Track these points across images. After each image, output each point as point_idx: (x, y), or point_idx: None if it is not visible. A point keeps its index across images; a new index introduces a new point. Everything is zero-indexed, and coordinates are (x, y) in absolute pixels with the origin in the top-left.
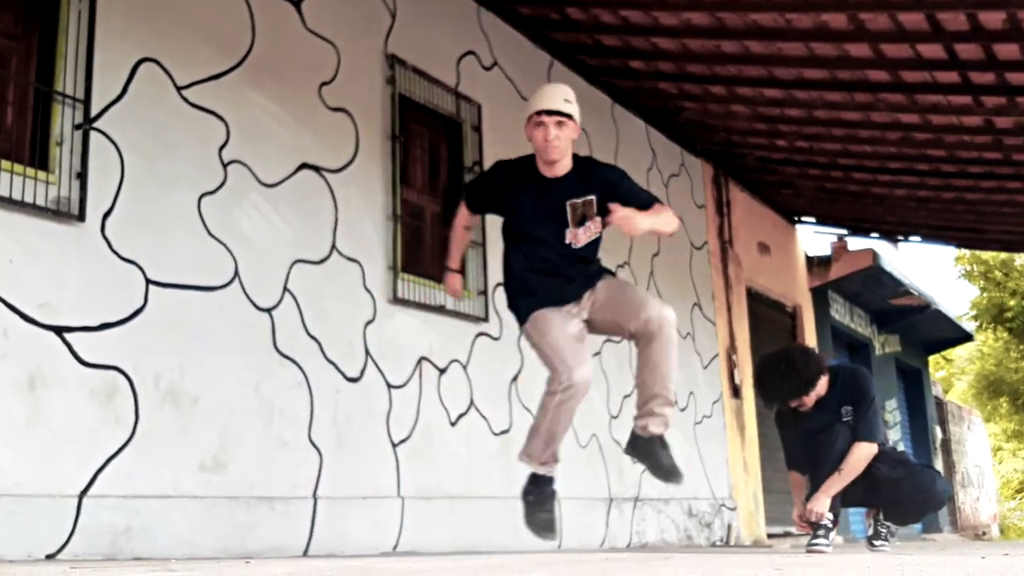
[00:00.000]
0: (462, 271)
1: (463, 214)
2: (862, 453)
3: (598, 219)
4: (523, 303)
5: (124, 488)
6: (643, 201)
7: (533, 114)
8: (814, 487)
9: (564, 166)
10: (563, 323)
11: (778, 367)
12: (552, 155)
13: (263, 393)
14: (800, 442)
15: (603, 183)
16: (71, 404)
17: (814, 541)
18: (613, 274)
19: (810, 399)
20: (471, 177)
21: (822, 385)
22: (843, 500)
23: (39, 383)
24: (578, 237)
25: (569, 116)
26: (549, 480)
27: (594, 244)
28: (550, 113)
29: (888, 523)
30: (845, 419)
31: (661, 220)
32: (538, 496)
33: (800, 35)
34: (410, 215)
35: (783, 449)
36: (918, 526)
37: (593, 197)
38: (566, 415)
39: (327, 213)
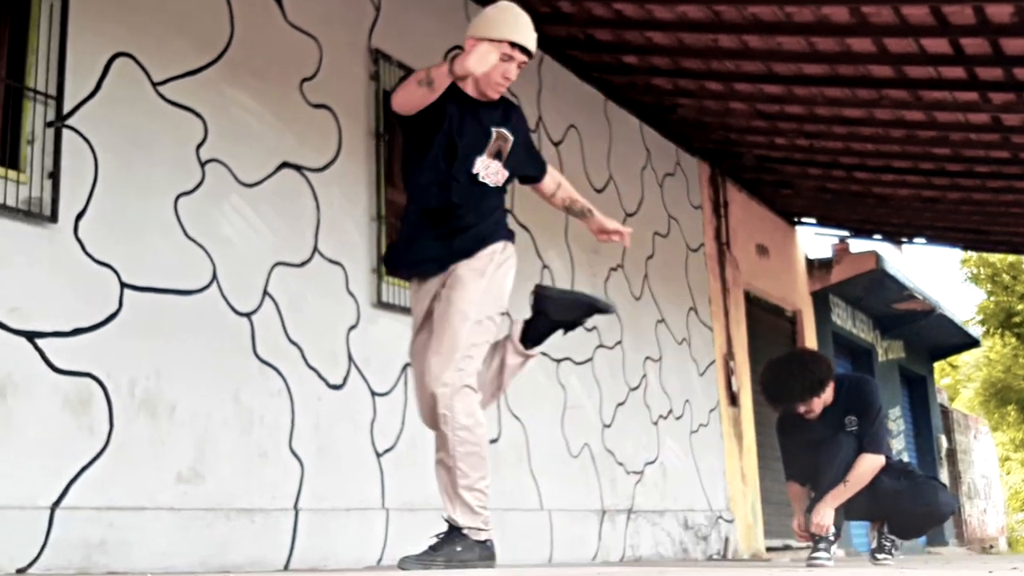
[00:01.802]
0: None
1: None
2: (868, 465)
3: (507, 172)
4: (392, 256)
5: (98, 500)
6: (538, 163)
7: (507, 42)
8: (817, 498)
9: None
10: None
11: (789, 367)
12: (498, 93)
13: (242, 401)
14: (801, 452)
15: (517, 128)
16: (43, 412)
17: (815, 555)
18: (510, 239)
19: (819, 404)
20: None
21: (830, 392)
22: (846, 512)
23: (9, 390)
24: (488, 170)
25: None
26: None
27: (499, 194)
28: (523, 51)
29: (892, 536)
30: (849, 429)
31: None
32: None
33: (800, 29)
34: (395, 216)
35: (782, 459)
36: (922, 539)
37: (512, 139)
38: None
39: (309, 214)
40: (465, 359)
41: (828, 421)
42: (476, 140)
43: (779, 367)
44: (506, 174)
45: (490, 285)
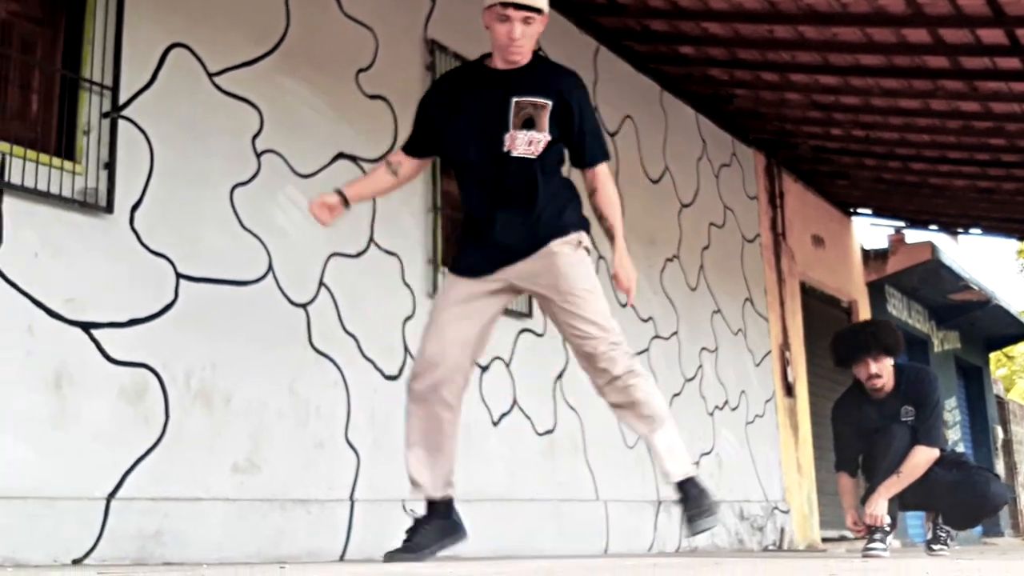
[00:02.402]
0: (346, 204)
1: (394, 154)
2: (923, 457)
3: (547, 135)
4: (451, 264)
5: (153, 490)
6: (588, 151)
7: (497, 4)
8: (871, 488)
9: (519, 62)
10: (457, 295)
11: (864, 326)
12: (515, 55)
13: (298, 391)
14: (855, 440)
15: (561, 91)
16: (98, 403)
17: (870, 545)
18: (586, 230)
19: (886, 372)
20: None
21: (891, 371)
22: (900, 503)
23: (65, 381)
24: (515, 142)
25: (539, 10)
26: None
27: (549, 166)
28: (518, 7)
29: (947, 527)
30: (904, 419)
31: (617, 215)
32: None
33: (856, 20)
34: (451, 207)
35: (835, 447)
36: (978, 530)
37: (549, 103)
38: (412, 423)
39: (365, 205)
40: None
41: (885, 410)
42: (492, 115)
43: (853, 327)
44: (547, 139)
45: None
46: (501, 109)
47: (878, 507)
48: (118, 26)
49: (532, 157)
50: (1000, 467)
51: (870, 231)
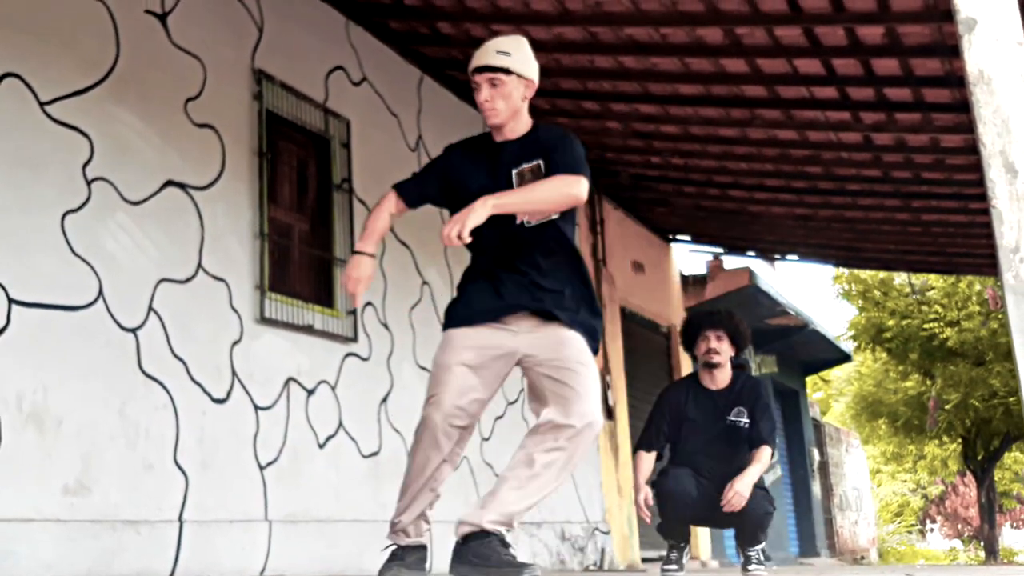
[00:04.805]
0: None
1: (390, 199)
2: (767, 454)
3: None
4: (446, 317)
5: None
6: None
7: (471, 74)
8: (717, 486)
9: (514, 130)
10: (464, 344)
11: (718, 308)
12: (491, 119)
13: (128, 414)
14: (671, 425)
15: (544, 147)
16: None
17: (666, 567)
18: (596, 317)
19: (727, 350)
20: (340, 195)
21: (728, 364)
22: (694, 519)
23: None
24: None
25: (504, 70)
26: (396, 554)
27: (558, 236)
28: (480, 71)
29: (754, 548)
30: (732, 418)
31: (530, 189)
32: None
33: (675, 50)
34: (278, 233)
35: (645, 427)
36: (795, 550)
37: (540, 162)
38: (413, 461)
39: (193, 231)
40: None
41: (717, 403)
42: (499, 189)
43: (707, 309)
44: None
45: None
46: (506, 182)
47: (745, 486)
48: None
49: (555, 218)
50: (817, 488)
51: (689, 257)
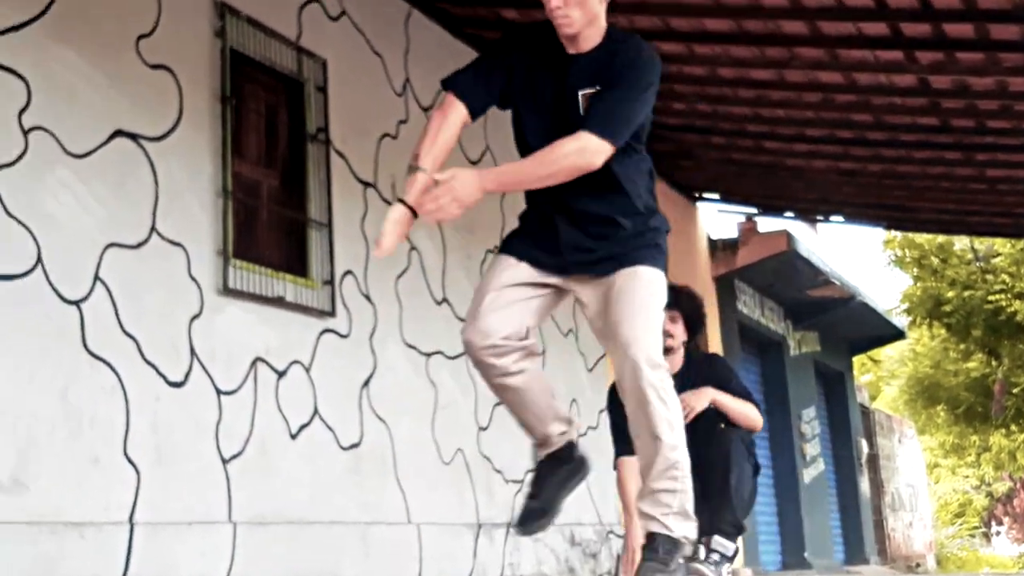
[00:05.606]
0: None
1: (456, 108)
2: (751, 408)
3: None
4: (503, 243)
5: None
6: (591, 117)
7: None
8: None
9: (589, 38)
10: (510, 272)
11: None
12: (565, 29)
13: (71, 400)
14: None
15: (609, 70)
16: None
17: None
18: (661, 252)
19: (679, 332)
20: (315, 147)
21: (680, 347)
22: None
23: None
24: None
25: None
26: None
27: (629, 172)
28: None
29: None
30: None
31: (530, 160)
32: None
33: None
34: (244, 191)
35: (612, 432)
36: (840, 555)
37: (600, 89)
38: (494, 389)
39: (146, 188)
40: None
41: None
42: (562, 107)
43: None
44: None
45: None
46: (571, 102)
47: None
48: None
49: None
50: (864, 485)
51: (718, 219)
